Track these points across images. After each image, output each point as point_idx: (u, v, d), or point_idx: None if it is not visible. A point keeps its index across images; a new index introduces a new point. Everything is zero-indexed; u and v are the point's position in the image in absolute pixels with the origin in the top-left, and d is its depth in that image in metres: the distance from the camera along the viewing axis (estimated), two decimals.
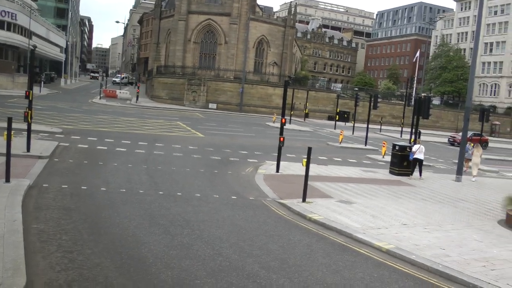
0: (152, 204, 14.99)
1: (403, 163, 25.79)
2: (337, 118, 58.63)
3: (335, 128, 56.68)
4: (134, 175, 19.30)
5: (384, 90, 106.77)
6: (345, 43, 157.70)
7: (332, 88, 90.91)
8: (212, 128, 42.77)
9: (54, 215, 12.81)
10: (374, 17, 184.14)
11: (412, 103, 71.01)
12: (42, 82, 71.34)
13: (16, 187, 14.80)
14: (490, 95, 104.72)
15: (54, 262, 9.50)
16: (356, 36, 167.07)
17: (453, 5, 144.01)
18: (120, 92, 73.71)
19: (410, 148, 26.08)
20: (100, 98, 66.64)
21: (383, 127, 66.61)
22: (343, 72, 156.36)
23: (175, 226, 12.82)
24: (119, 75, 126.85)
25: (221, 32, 78.93)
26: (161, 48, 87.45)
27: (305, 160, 16.97)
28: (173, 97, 69.52)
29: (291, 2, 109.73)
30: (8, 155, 15.24)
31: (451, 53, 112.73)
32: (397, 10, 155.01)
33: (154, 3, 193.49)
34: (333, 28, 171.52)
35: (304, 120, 66.35)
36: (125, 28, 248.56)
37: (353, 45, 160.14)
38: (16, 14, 73.14)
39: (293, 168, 24.85)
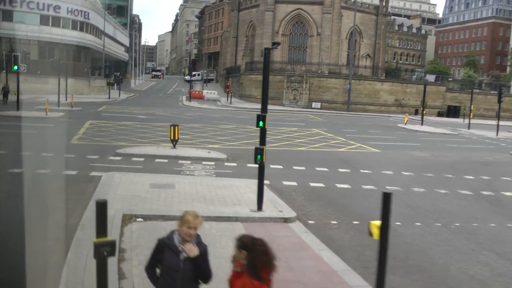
0: None
1: None
2: (471, 116, 49.53)
3: (469, 128, 47.70)
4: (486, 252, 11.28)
5: (465, 78, 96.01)
6: (414, 30, 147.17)
7: (427, 79, 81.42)
8: (360, 136, 34.73)
9: None
10: (433, 2, 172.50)
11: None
12: (117, 85, 64.43)
13: None
14: None
15: None
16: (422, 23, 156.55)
17: None
18: (207, 93, 66.10)
19: None
20: (190, 100, 59.35)
21: (492, 122, 57.47)
22: (412, 61, 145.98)
23: None
24: (195, 73, 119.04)
25: (313, 23, 70.70)
26: (241, 42, 79.60)
27: None
28: (270, 96, 60.12)
29: None
30: None
31: None
32: None
33: None
34: (394, 15, 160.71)
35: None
36: (174, 24, 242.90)
37: (422, 32, 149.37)
38: (88, 13, 66.36)
39: None
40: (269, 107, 46.71)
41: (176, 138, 22.07)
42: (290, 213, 12.71)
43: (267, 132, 32.32)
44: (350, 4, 74.60)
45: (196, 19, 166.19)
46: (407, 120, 47.19)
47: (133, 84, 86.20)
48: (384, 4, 79.39)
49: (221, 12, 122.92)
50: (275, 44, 12.59)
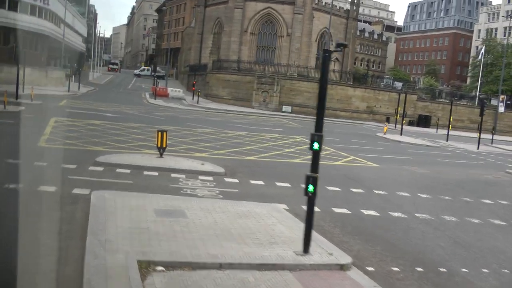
0: None
1: None
2: (450, 128, 48.16)
3: (447, 140, 46.21)
4: None
5: (427, 87, 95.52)
6: (375, 36, 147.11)
7: (396, 87, 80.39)
8: (345, 146, 32.56)
9: None
10: (391, 9, 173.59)
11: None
12: (75, 77, 60.50)
13: None
14: None
15: None
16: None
17: None
18: (172, 91, 62.78)
19: None
20: (155, 98, 55.96)
21: (467, 134, 57.01)
22: (373, 67, 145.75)
23: None
24: (144, 67, 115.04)
25: (283, 23, 68.29)
26: (206, 39, 76.45)
27: None
28: (238, 97, 58.62)
29: None
30: None
31: (499, 48, 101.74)
32: (432, 2, 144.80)
33: None
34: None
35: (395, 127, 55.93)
36: (130, 17, 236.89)
37: (383, 38, 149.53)
38: None
39: None
40: (238, 109, 44.26)
41: (164, 146, 19.19)
42: (343, 257, 10.12)
43: (249, 139, 29.87)
44: (321, 6, 72.81)
45: (155, 13, 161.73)
46: (386, 130, 45.31)
47: (91, 76, 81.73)
48: (354, 8, 77.96)
49: (182, 7, 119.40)
50: (340, 46, 9.90)
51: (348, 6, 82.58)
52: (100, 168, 16.95)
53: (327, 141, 33.06)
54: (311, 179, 9.54)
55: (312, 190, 9.55)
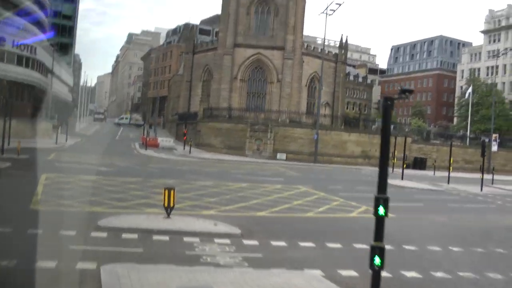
0: None
1: None
2: (451, 169, 46.86)
3: (448, 182, 44.91)
4: None
5: (415, 128, 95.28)
6: (360, 79, 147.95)
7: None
8: (352, 195, 30.90)
9: None
10: (373, 53, 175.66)
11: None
12: (62, 128, 58.95)
13: None
14: None
15: None
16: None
17: (474, 39, 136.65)
18: (162, 141, 61.34)
19: None
20: (146, 149, 54.43)
21: (464, 175, 56.11)
22: (358, 110, 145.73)
23: None
24: (123, 116, 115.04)
25: (273, 69, 67.71)
26: (195, 87, 75.52)
27: None
28: (231, 146, 57.26)
29: (341, 35, 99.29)
30: None
31: (483, 88, 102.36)
32: (414, 44, 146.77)
33: (150, 38, 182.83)
34: None
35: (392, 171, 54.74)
36: (115, 66, 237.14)
37: (368, 81, 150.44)
38: (36, 48, 60.72)
39: None
40: (232, 158, 42.90)
41: (172, 205, 17.51)
42: None
43: (253, 191, 28.26)
44: (310, 51, 72.59)
45: (140, 62, 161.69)
46: None
47: (77, 127, 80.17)
48: (343, 52, 77.88)
49: (169, 55, 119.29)
50: (405, 91, 8.47)
51: (333, 50, 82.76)
52: (104, 234, 15.20)
53: (333, 190, 31.80)
54: (378, 250, 7.91)
55: (380, 264, 7.90)
